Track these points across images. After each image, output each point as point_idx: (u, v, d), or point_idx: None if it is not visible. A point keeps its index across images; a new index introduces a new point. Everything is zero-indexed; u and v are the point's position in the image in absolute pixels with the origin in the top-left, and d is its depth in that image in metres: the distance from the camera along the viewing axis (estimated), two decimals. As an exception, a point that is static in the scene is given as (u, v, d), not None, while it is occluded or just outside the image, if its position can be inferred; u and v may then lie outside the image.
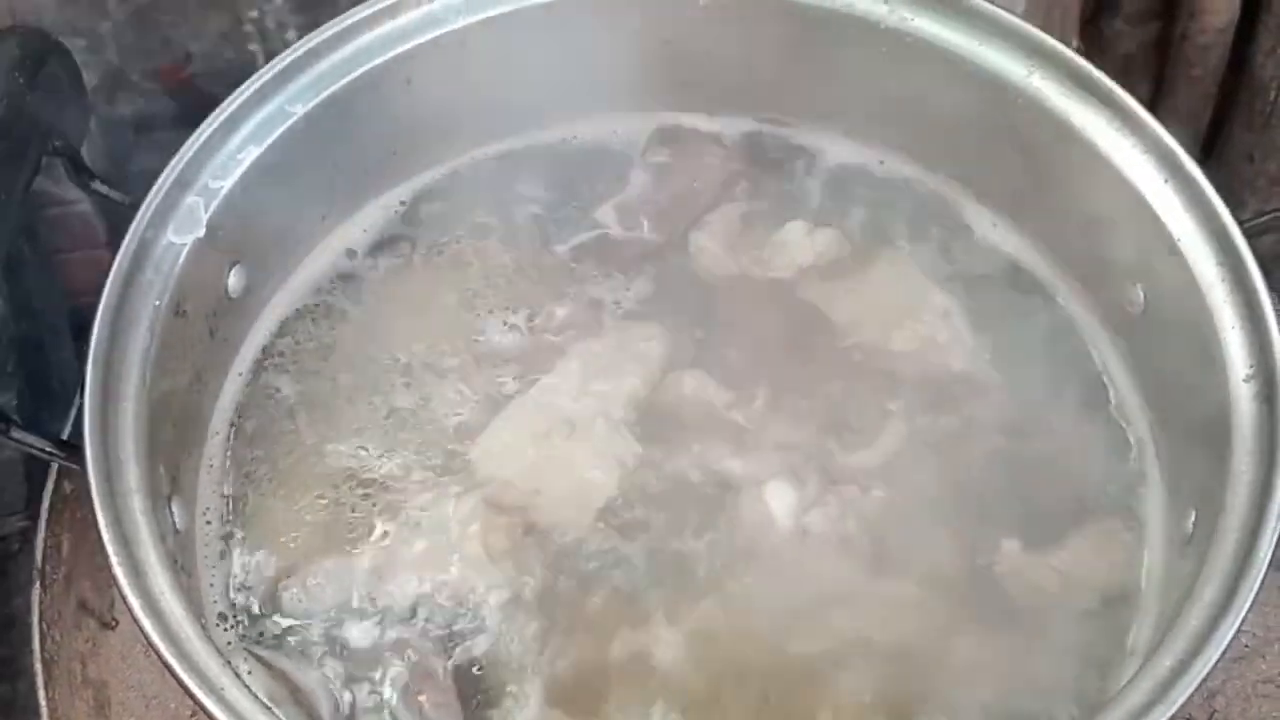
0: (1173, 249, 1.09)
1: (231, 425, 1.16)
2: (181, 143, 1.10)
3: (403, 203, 1.27)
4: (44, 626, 1.13)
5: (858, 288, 1.23)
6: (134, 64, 1.74)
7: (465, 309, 1.21)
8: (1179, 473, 1.11)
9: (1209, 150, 1.92)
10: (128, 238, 1.06)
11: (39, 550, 1.15)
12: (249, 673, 1.04)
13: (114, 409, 1.01)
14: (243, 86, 1.12)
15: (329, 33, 1.15)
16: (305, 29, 1.17)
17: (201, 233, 1.08)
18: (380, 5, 1.16)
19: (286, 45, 1.16)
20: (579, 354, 1.18)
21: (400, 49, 1.18)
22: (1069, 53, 1.15)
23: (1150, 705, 0.90)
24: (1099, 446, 1.15)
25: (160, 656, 0.91)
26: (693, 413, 1.16)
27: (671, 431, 1.15)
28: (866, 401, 1.16)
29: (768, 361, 1.18)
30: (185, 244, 1.08)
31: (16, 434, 1.00)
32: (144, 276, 1.06)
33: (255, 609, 1.07)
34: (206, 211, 1.09)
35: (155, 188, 1.08)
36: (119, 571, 0.94)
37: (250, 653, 1.05)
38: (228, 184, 1.10)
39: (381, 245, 1.25)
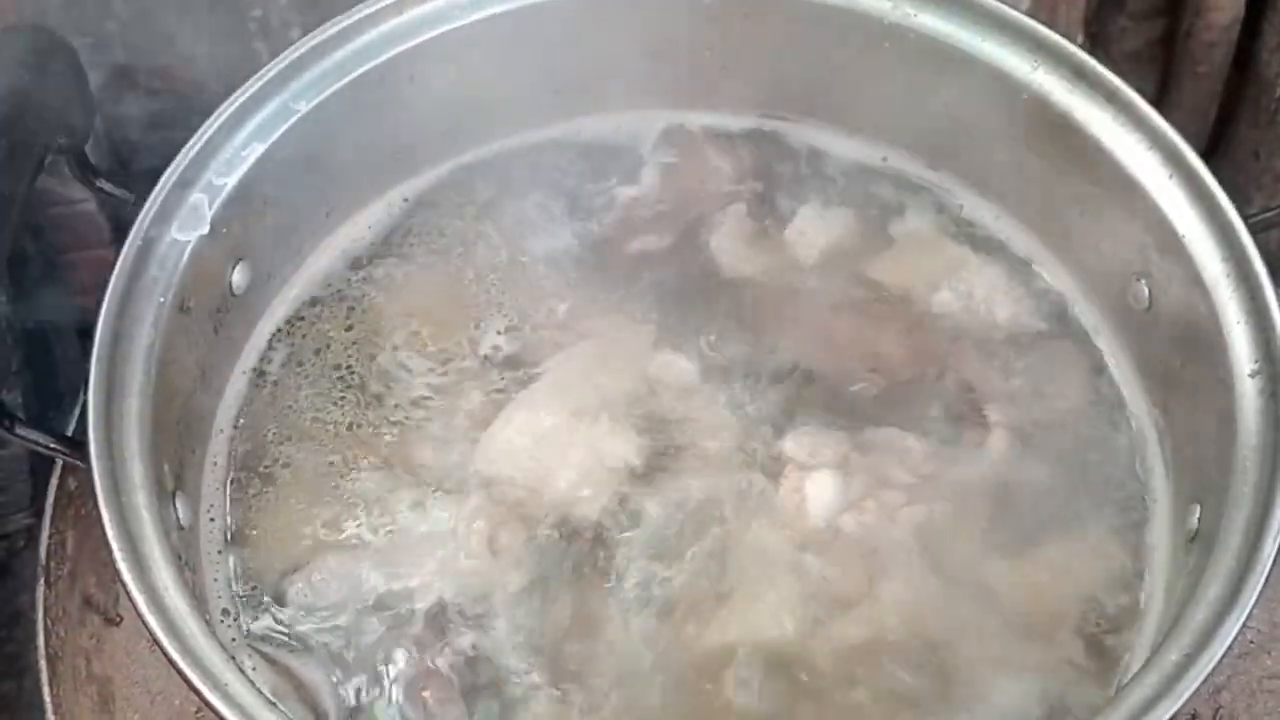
0: (1177, 245, 1.09)
1: (235, 422, 1.16)
2: (186, 142, 1.10)
3: (406, 200, 1.27)
4: (48, 623, 1.13)
5: (890, 256, 1.24)
6: (139, 63, 1.74)
7: (468, 306, 1.21)
8: (1184, 468, 1.11)
9: (1214, 147, 1.91)
10: (132, 235, 1.06)
11: (43, 547, 1.16)
12: (253, 668, 1.04)
13: (118, 406, 1.01)
14: (247, 83, 1.12)
15: (333, 30, 1.15)
16: (309, 27, 1.17)
17: (206, 230, 1.09)
18: (384, 2, 1.16)
19: (290, 43, 1.16)
20: (583, 351, 1.18)
21: (404, 46, 1.18)
22: (1073, 48, 1.15)
23: (1156, 700, 0.90)
24: (1103, 442, 1.15)
25: (165, 652, 0.91)
26: (706, 407, 1.16)
27: (679, 427, 1.15)
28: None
29: (811, 347, 1.18)
30: (189, 241, 1.08)
31: (22, 431, 1.00)
32: (148, 273, 1.06)
33: (259, 605, 1.07)
34: (211, 209, 1.09)
35: (159, 185, 1.08)
36: (124, 567, 0.94)
37: (254, 648, 1.05)
38: (232, 181, 1.11)
39: (385, 242, 1.25)
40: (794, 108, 1.30)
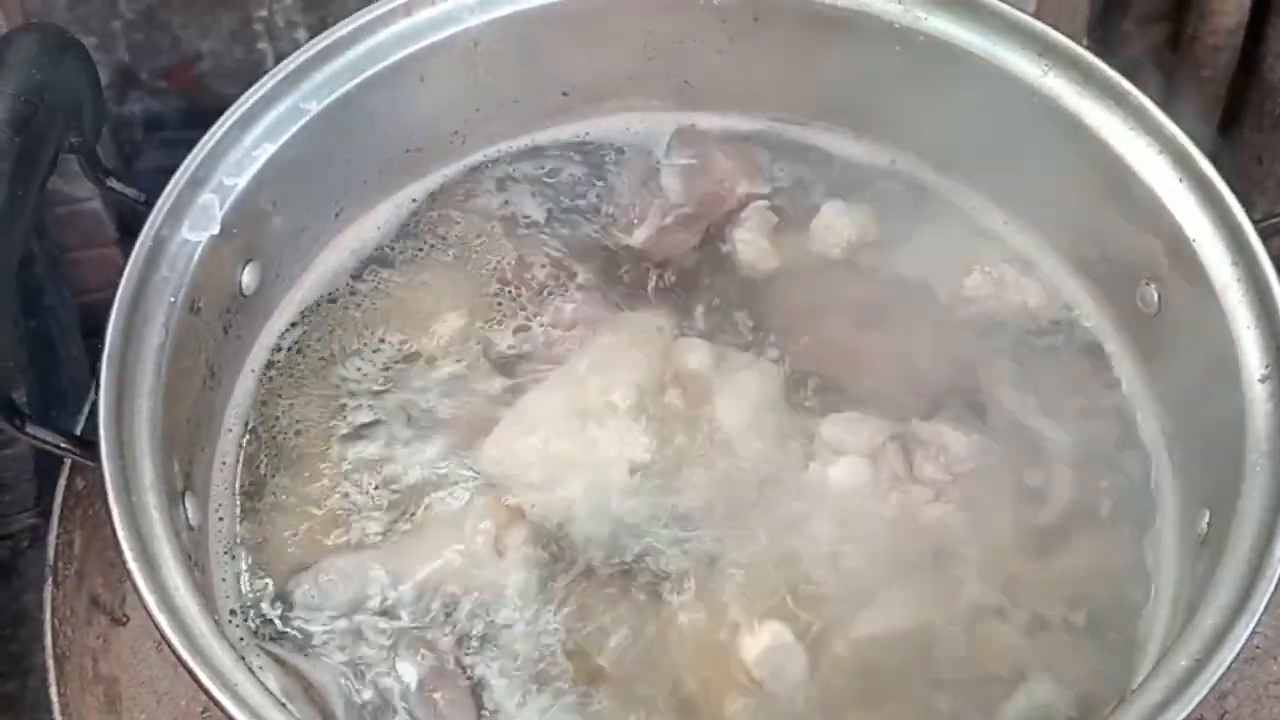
0: (1187, 249, 1.09)
1: (244, 422, 1.16)
2: (190, 141, 1.10)
3: (415, 200, 1.27)
4: (55, 623, 1.12)
5: (915, 249, 1.24)
6: (144, 62, 1.74)
7: (478, 305, 1.21)
8: (1193, 473, 1.11)
9: (1217, 152, 1.91)
10: (142, 235, 1.06)
11: (51, 546, 1.15)
12: (262, 669, 1.03)
13: (128, 405, 1.01)
14: (258, 84, 1.12)
15: (344, 30, 1.15)
16: (314, 27, 1.18)
17: (216, 230, 1.08)
18: (395, 3, 1.16)
19: (296, 44, 1.16)
20: (594, 350, 1.17)
21: (414, 47, 1.18)
22: (1084, 52, 1.15)
23: (1165, 705, 0.90)
24: (1113, 446, 1.15)
25: (175, 652, 0.91)
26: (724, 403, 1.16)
27: (694, 424, 1.15)
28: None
29: (836, 343, 1.19)
30: (200, 241, 1.08)
31: (31, 429, 0.99)
32: (159, 274, 1.05)
33: (268, 605, 1.07)
34: (221, 209, 1.09)
35: (170, 185, 1.08)
36: (134, 567, 0.94)
37: (263, 649, 1.05)
38: (242, 181, 1.10)
39: (394, 242, 1.24)
40: (803, 111, 1.30)
